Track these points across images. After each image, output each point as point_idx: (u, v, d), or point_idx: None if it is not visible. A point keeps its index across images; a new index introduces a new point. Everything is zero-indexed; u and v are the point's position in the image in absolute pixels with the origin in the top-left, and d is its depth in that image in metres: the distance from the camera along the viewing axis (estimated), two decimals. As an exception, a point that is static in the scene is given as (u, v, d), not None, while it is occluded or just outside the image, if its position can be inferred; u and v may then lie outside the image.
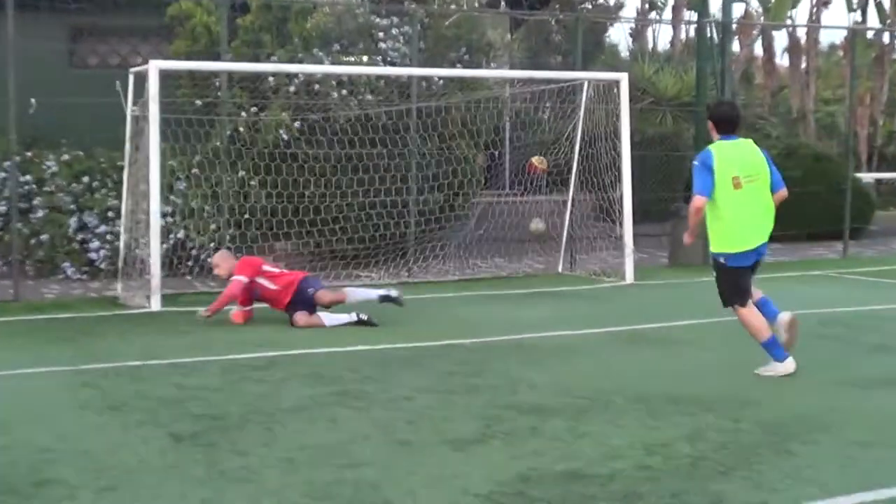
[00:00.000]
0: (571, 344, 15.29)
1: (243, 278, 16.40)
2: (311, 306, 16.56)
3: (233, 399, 11.85)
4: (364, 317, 16.54)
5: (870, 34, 47.19)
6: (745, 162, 12.91)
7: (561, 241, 24.27)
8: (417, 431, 10.45)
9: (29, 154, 22.38)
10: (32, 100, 21.11)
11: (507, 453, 9.67)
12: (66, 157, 22.56)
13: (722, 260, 13.02)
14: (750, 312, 12.95)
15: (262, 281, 16.54)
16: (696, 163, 12.94)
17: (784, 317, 13.24)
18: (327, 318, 16.48)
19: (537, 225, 22.50)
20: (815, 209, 29.67)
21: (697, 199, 12.80)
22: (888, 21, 48.83)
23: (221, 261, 17.10)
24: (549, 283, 22.09)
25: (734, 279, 13.10)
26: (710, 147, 12.99)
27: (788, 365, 12.72)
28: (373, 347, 14.97)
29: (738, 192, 12.76)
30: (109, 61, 27.10)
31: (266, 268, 16.88)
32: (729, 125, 13.05)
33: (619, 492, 8.52)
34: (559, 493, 8.50)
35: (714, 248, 13.24)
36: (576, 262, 24.04)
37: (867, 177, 35.81)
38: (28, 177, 22.00)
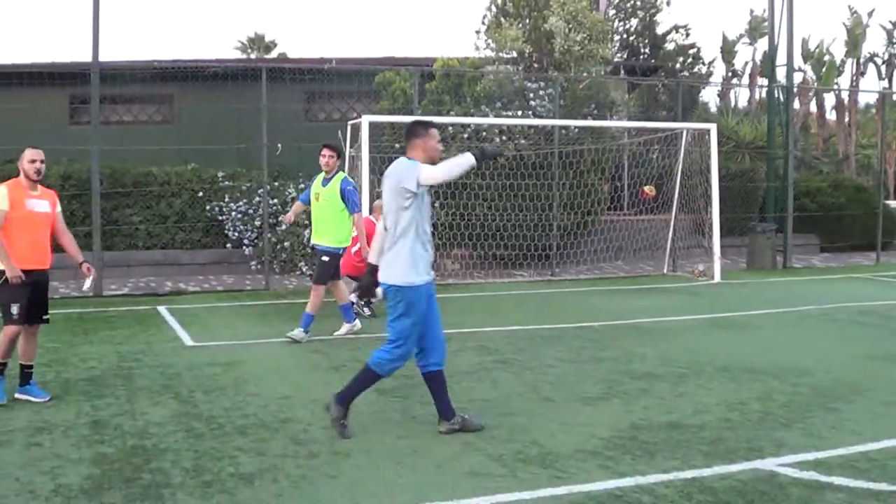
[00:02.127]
0: (673, 327, 15.13)
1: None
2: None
3: (421, 364, 11.88)
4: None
5: (895, 97, 46.43)
6: None
7: (665, 250, 24.09)
8: (557, 390, 10.41)
9: (276, 183, 22.71)
10: (279, 144, 21.42)
11: (623, 408, 9.62)
12: (302, 186, 22.79)
13: None
14: None
15: None
16: None
17: None
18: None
19: (650, 190, 22.28)
20: (856, 227, 29.63)
21: None
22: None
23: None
24: (657, 282, 21.89)
25: None
26: None
27: None
28: (525, 327, 14.92)
29: None
30: (333, 116, 27.40)
31: None
32: None
33: (708, 438, 8.45)
34: (663, 438, 8.46)
35: None
36: (677, 266, 23.81)
37: (894, 203, 35.08)
38: (275, 200, 22.31)
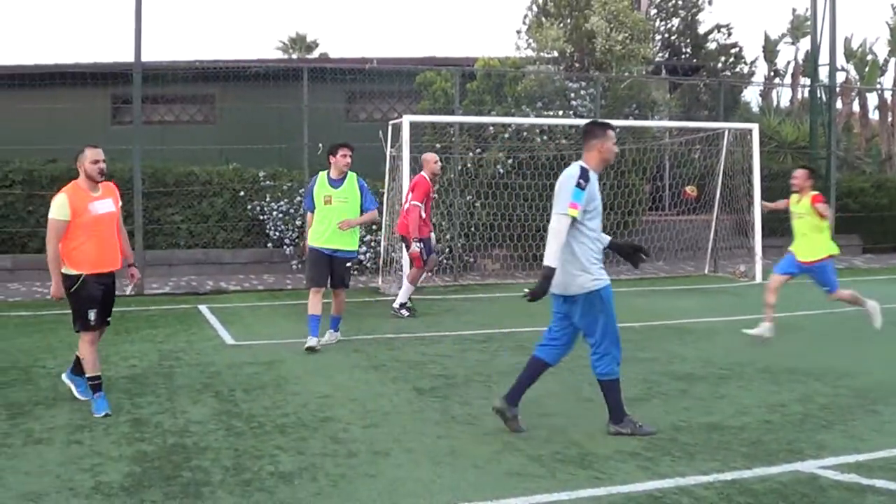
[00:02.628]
0: (714, 327, 15.07)
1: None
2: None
3: (460, 364, 11.92)
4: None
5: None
6: None
7: (707, 250, 24.01)
8: (596, 391, 10.32)
9: (316, 183, 22.73)
10: (320, 144, 21.46)
11: (663, 409, 9.61)
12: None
13: None
14: None
15: None
16: None
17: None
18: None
19: (692, 190, 22.19)
20: (899, 227, 29.21)
21: None
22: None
23: None
24: (698, 282, 21.81)
25: None
26: None
27: None
28: (564, 327, 14.90)
29: None
30: (374, 116, 27.49)
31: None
32: None
33: (748, 440, 8.42)
34: (703, 439, 8.44)
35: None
36: (718, 266, 23.71)
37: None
38: (316, 200, 22.29)
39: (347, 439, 8.40)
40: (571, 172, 8.51)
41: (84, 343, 9.44)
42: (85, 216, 9.24)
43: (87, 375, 9.47)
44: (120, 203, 9.90)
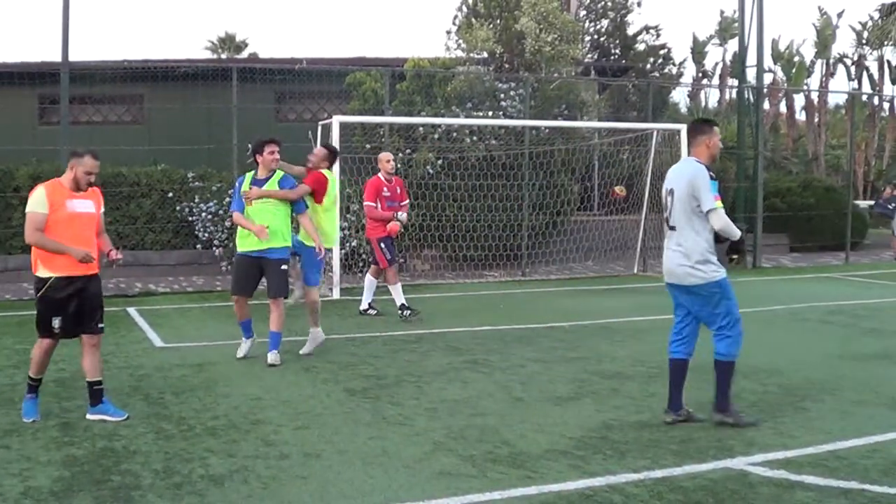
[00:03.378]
0: (644, 327, 15.17)
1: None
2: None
3: (391, 364, 11.91)
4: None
5: (864, 97, 46.85)
6: None
7: (636, 250, 24.15)
8: (528, 390, 10.43)
9: (246, 184, 22.61)
10: (249, 145, 21.35)
11: (594, 408, 9.67)
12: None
13: None
14: None
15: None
16: None
17: None
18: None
19: (621, 190, 22.29)
20: (825, 227, 29.78)
21: None
22: (877, 88, 48.63)
23: None
24: (627, 282, 21.96)
25: None
26: None
27: None
28: (495, 327, 14.95)
29: None
30: (304, 116, 27.40)
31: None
32: None
33: (678, 437, 8.52)
34: (633, 437, 8.52)
35: None
36: (647, 266, 23.86)
37: (863, 204, 35.40)
38: (245, 200, 22.16)
39: (278, 441, 8.37)
40: (696, 169, 8.81)
41: (39, 346, 9.12)
42: (61, 212, 8.86)
43: (29, 375, 9.20)
44: (102, 209, 9.44)
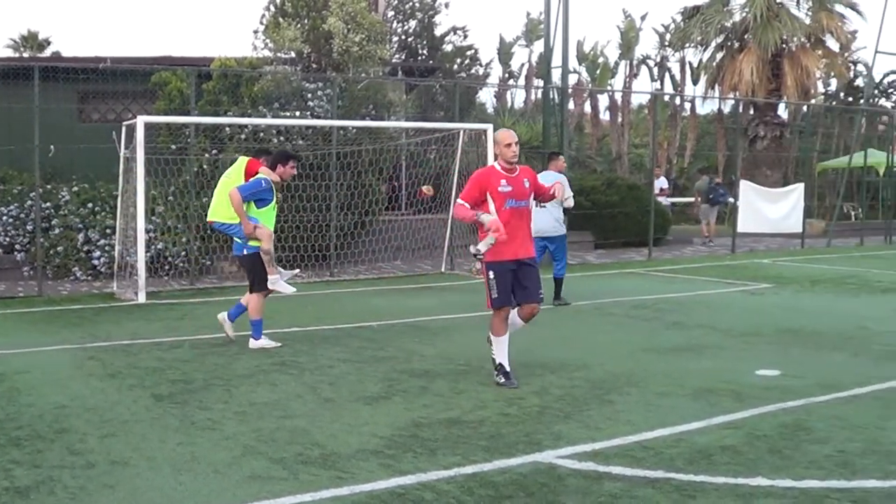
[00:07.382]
0: (452, 325, 15.33)
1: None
2: None
3: (199, 368, 11.79)
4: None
5: (666, 98, 48.13)
6: None
7: (443, 248, 24.35)
8: (337, 391, 10.45)
9: (48, 186, 22.20)
10: (52, 146, 20.92)
11: (403, 406, 9.72)
12: (75, 188, 22.38)
13: None
14: None
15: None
16: None
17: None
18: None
19: (428, 189, 22.45)
20: (628, 224, 30.38)
21: None
22: (679, 88, 50.02)
23: None
24: (435, 280, 22.10)
25: None
26: None
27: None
28: (304, 328, 14.94)
29: None
30: (108, 117, 26.85)
31: None
32: None
33: (487, 433, 8.61)
34: (443, 435, 8.59)
35: None
36: (454, 264, 24.08)
37: (665, 201, 36.30)
38: (48, 203, 21.77)
39: (85, 450, 8.20)
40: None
41: None
42: None
43: None
44: None
